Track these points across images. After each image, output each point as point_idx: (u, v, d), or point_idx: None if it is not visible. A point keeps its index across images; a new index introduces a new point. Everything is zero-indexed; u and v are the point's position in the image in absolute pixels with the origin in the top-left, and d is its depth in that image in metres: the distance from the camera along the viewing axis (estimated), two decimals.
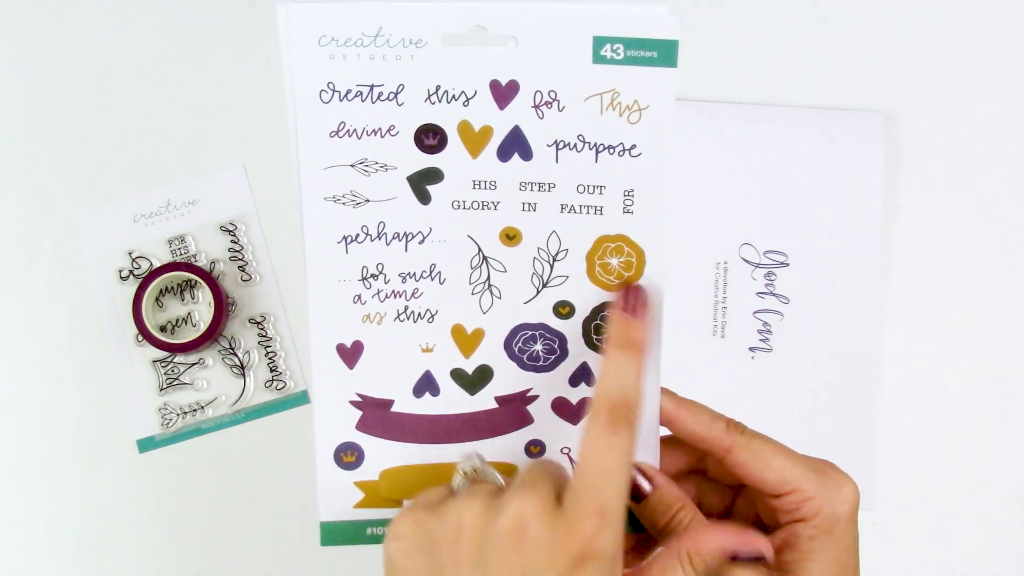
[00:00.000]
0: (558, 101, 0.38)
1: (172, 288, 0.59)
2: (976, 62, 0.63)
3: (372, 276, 0.40)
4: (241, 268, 0.60)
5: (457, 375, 0.41)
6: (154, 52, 0.61)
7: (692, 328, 0.61)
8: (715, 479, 0.43)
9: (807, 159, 0.61)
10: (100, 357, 0.60)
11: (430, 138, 0.38)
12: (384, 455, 0.41)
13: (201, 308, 0.60)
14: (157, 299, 0.59)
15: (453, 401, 0.41)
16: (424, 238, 0.40)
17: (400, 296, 0.40)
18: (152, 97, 0.61)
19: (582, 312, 0.41)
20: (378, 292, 0.40)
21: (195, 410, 0.60)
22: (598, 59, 0.37)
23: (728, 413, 0.62)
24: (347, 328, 0.40)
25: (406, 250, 0.40)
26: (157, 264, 0.59)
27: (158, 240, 0.60)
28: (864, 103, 0.62)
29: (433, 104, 0.38)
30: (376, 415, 0.41)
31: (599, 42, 0.37)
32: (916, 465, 0.61)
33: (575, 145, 0.39)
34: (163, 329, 0.59)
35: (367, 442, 0.41)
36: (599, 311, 0.40)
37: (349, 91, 0.38)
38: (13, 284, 0.60)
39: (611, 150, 0.39)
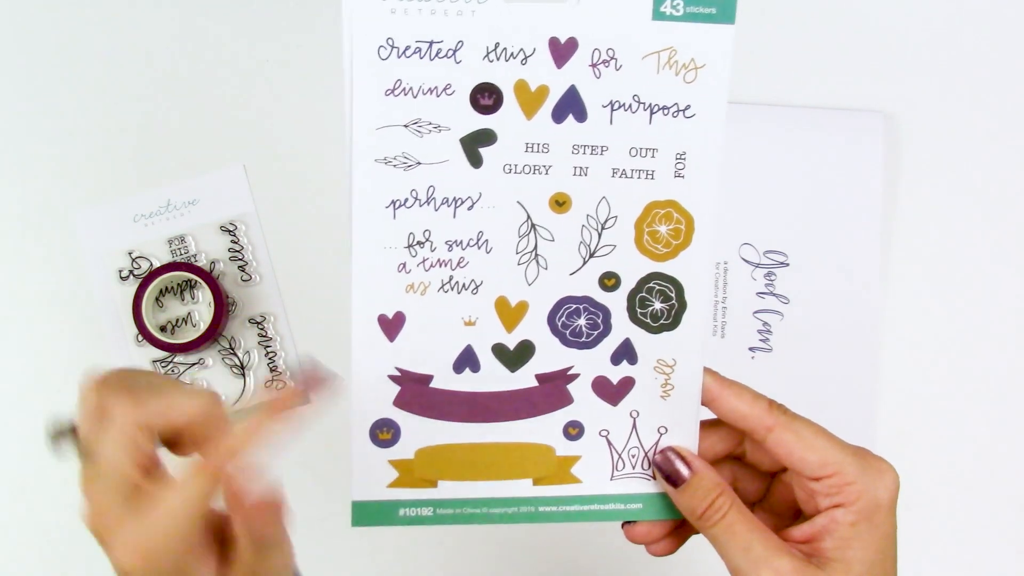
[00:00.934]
0: (616, 60, 0.37)
1: (172, 288, 0.59)
2: (976, 62, 0.63)
3: (418, 243, 0.39)
4: (241, 268, 0.60)
5: (499, 351, 0.40)
6: (154, 52, 0.61)
7: None
8: (752, 465, 0.42)
9: (807, 159, 0.61)
10: (100, 357, 0.59)
11: (486, 98, 0.37)
12: (421, 433, 0.40)
13: (201, 308, 0.60)
14: (157, 299, 0.59)
15: (493, 378, 0.40)
16: (473, 204, 0.38)
17: (445, 265, 0.39)
18: (152, 97, 0.61)
19: (628, 284, 0.40)
20: (423, 261, 0.39)
21: None
22: (658, 15, 0.37)
23: None
24: (390, 298, 0.39)
25: (454, 216, 0.38)
26: (157, 264, 0.59)
27: (158, 240, 0.60)
28: (864, 103, 0.62)
29: (491, 62, 0.37)
30: (414, 391, 0.40)
31: None
32: (916, 465, 0.61)
33: (630, 106, 0.38)
34: (163, 329, 0.59)
35: (404, 419, 0.40)
36: (645, 283, 0.40)
37: (408, 47, 0.37)
38: (13, 284, 0.60)
39: (665, 111, 0.38)
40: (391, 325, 0.39)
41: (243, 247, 0.60)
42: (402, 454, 0.40)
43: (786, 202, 0.61)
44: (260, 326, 0.60)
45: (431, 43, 0.36)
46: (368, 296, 0.39)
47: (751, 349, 0.61)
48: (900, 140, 0.62)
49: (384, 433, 0.40)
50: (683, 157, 0.38)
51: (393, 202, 0.38)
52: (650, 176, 0.39)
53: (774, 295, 0.61)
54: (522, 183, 0.38)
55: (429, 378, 0.40)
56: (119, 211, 0.60)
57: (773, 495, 0.42)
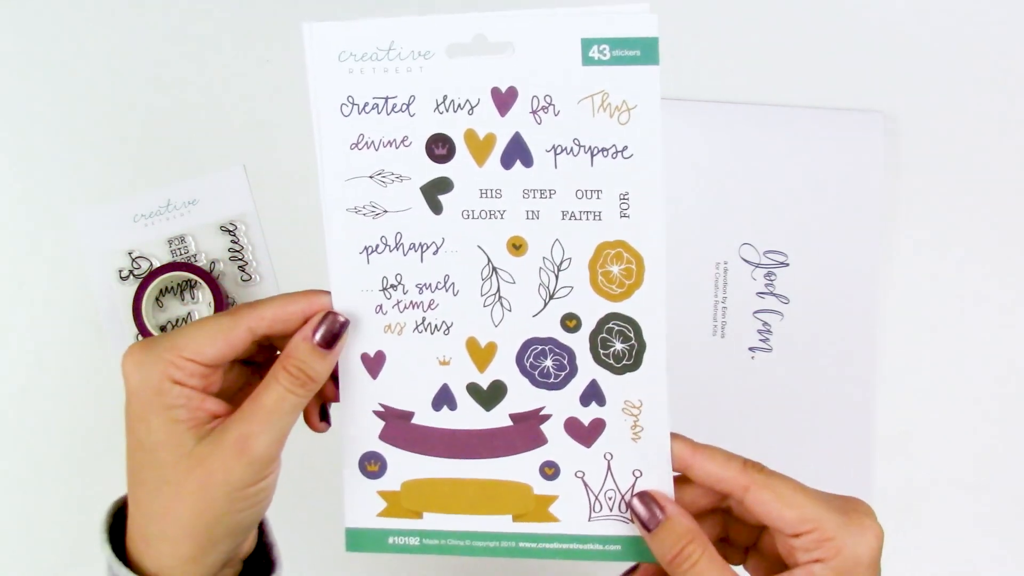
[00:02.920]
0: (553, 105, 0.39)
1: (172, 288, 0.59)
2: (976, 62, 0.63)
3: (392, 286, 0.41)
4: (241, 268, 0.60)
5: (473, 390, 0.42)
6: (154, 52, 0.61)
7: (692, 328, 0.61)
8: (739, 519, 0.42)
9: (807, 159, 0.61)
10: (100, 357, 0.60)
11: (440, 147, 0.40)
12: (406, 466, 0.42)
13: (201, 308, 0.60)
14: (157, 299, 0.59)
15: (470, 416, 0.42)
16: (438, 248, 0.41)
17: (418, 307, 0.41)
18: (152, 97, 0.61)
19: (588, 325, 0.41)
20: (398, 302, 0.41)
21: None
22: (587, 61, 0.38)
23: (728, 413, 0.62)
24: (370, 338, 0.41)
25: (421, 260, 0.41)
26: (157, 264, 0.59)
27: (158, 240, 0.60)
28: (864, 103, 0.62)
29: (441, 113, 0.39)
30: (398, 426, 0.42)
31: (587, 44, 0.38)
32: (915, 465, 0.61)
33: (571, 149, 0.39)
34: (163, 329, 0.59)
35: (390, 452, 0.42)
36: (604, 323, 0.41)
37: (366, 104, 0.39)
38: (13, 284, 0.60)
39: (605, 152, 0.39)
40: (373, 363, 0.42)
41: (243, 247, 0.60)
42: (389, 486, 0.42)
43: (786, 202, 0.61)
44: None
45: (387, 99, 0.39)
46: (351, 336, 0.41)
47: (751, 349, 0.61)
48: (900, 140, 0.62)
49: (372, 465, 0.42)
50: (626, 197, 0.40)
51: (366, 248, 0.41)
52: (597, 217, 0.40)
53: (774, 295, 0.61)
54: (480, 228, 0.40)
55: (411, 414, 0.42)
56: (119, 211, 0.60)
57: (763, 544, 0.42)
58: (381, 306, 0.41)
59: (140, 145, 0.61)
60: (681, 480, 0.41)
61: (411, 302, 0.41)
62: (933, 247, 0.62)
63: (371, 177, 0.40)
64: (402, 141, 0.40)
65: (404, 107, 0.39)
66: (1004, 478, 0.61)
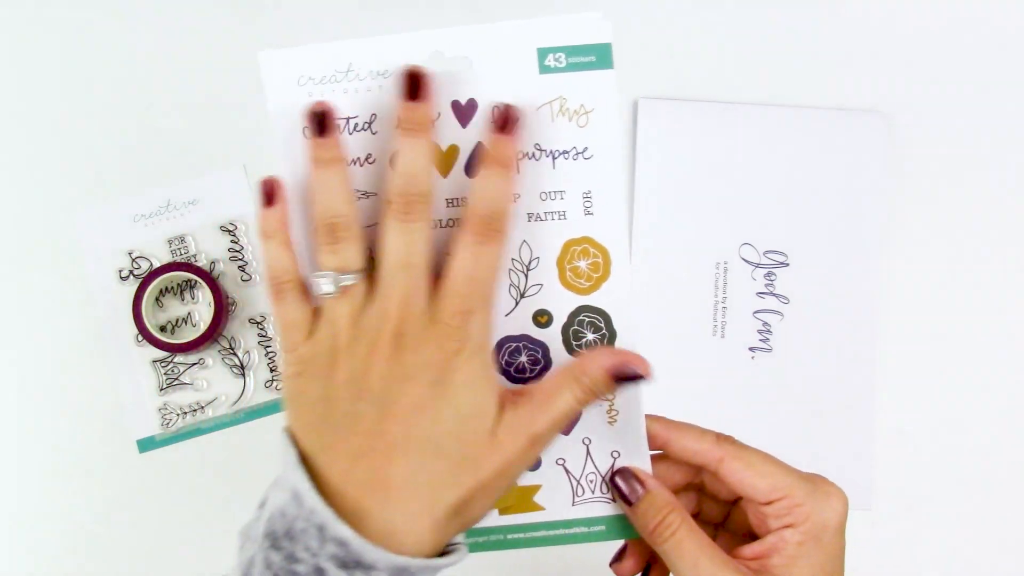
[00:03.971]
0: None
1: (172, 288, 0.59)
2: (976, 63, 0.63)
3: None
4: (241, 268, 0.60)
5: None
6: (154, 52, 0.61)
7: (692, 328, 0.61)
8: (711, 495, 0.44)
9: (807, 159, 0.61)
10: (100, 357, 0.60)
11: None
12: None
13: (201, 308, 0.60)
14: (157, 299, 0.59)
15: None
16: None
17: None
18: (152, 97, 0.61)
19: (559, 319, 0.42)
20: None
21: (195, 410, 0.60)
22: (544, 69, 0.40)
23: (728, 413, 0.62)
24: None
25: None
26: (157, 264, 0.59)
27: (158, 240, 0.60)
28: (864, 103, 0.62)
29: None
30: None
31: (543, 53, 0.40)
32: (915, 465, 0.61)
33: (534, 154, 0.40)
34: (163, 329, 0.59)
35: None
36: (575, 316, 0.42)
37: None
38: (13, 284, 0.60)
39: (566, 155, 0.41)
40: None
41: (243, 247, 0.60)
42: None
43: (786, 202, 0.61)
44: (260, 326, 0.60)
45: (348, 119, 0.40)
46: None
47: (751, 349, 0.61)
48: (900, 140, 0.62)
49: None
50: (589, 195, 0.41)
51: None
52: (562, 216, 0.41)
53: (774, 295, 0.61)
54: (449, 236, 0.41)
55: None
56: (119, 211, 0.60)
57: (733, 519, 0.44)
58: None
59: (140, 145, 0.61)
60: (655, 459, 0.43)
61: None
62: (933, 247, 0.62)
63: None
64: (366, 159, 0.40)
65: (367, 126, 0.40)
66: (1004, 478, 0.61)
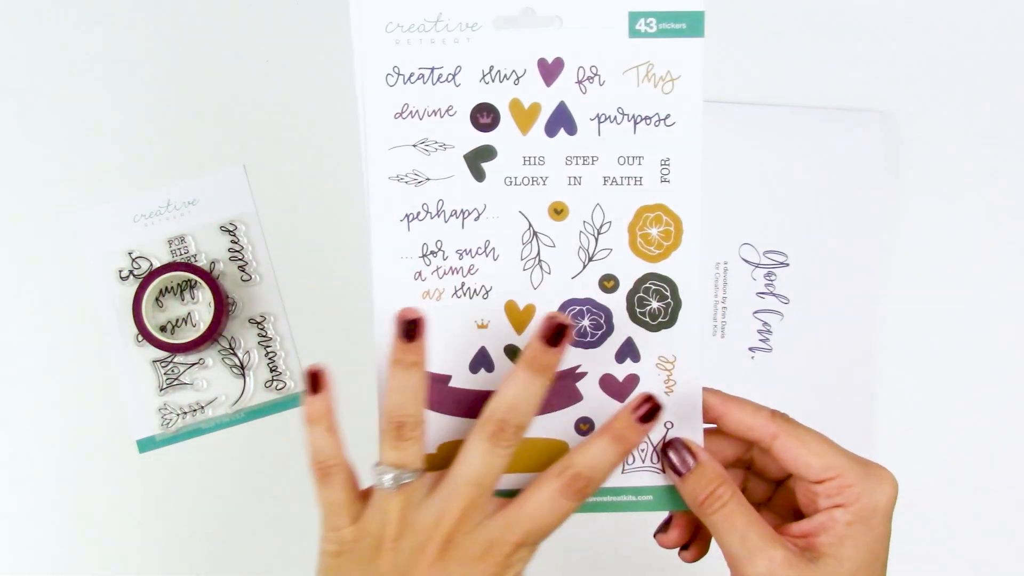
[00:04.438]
0: (599, 76, 0.41)
1: (172, 288, 0.59)
2: (976, 62, 0.63)
3: (432, 253, 0.42)
4: (241, 268, 0.60)
5: (511, 351, 0.42)
6: (154, 52, 0.61)
7: None
8: (759, 473, 0.44)
9: (807, 159, 0.61)
10: (100, 357, 0.60)
11: (484, 116, 0.41)
12: (443, 429, 0.42)
13: (201, 308, 0.60)
14: (157, 299, 0.59)
15: None
16: (479, 215, 0.41)
17: (457, 272, 0.42)
18: (152, 97, 0.61)
19: (626, 285, 0.42)
20: (437, 269, 0.42)
21: (195, 410, 0.60)
22: (634, 33, 0.40)
23: None
24: (409, 304, 0.42)
25: (463, 227, 0.41)
26: (157, 264, 0.59)
27: (158, 240, 0.60)
28: (864, 103, 0.62)
29: (487, 84, 0.40)
30: (435, 389, 0.42)
31: (634, 17, 0.40)
32: (915, 465, 0.61)
33: (615, 118, 0.41)
34: (163, 329, 0.59)
35: (427, 416, 0.42)
36: (642, 283, 0.42)
37: (412, 74, 0.40)
38: (13, 284, 0.60)
39: (648, 121, 0.41)
40: None
41: (243, 247, 0.60)
42: (426, 449, 0.42)
43: (786, 202, 0.61)
44: (260, 326, 0.60)
45: (432, 69, 0.40)
46: (389, 302, 0.42)
47: (751, 349, 0.61)
48: (900, 140, 0.62)
49: None
50: (667, 163, 0.42)
51: (407, 215, 0.41)
52: (638, 182, 0.42)
53: (774, 295, 0.61)
54: (522, 194, 0.41)
55: (448, 378, 0.42)
56: (119, 211, 0.60)
57: (778, 499, 0.44)
58: (420, 272, 0.42)
59: (140, 145, 0.61)
60: (706, 433, 0.43)
61: (451, 268, 0.42)
62: (933, 247, 0.62)
63: (414, 146, 0.41)
64: (447, 110, 0.40)
65: (450, 77, 0.40)
66: (1004, 478, 0.61)
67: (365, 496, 0.39)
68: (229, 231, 0.60)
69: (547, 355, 0.38)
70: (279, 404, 0.60)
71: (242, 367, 0.60)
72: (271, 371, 0.60)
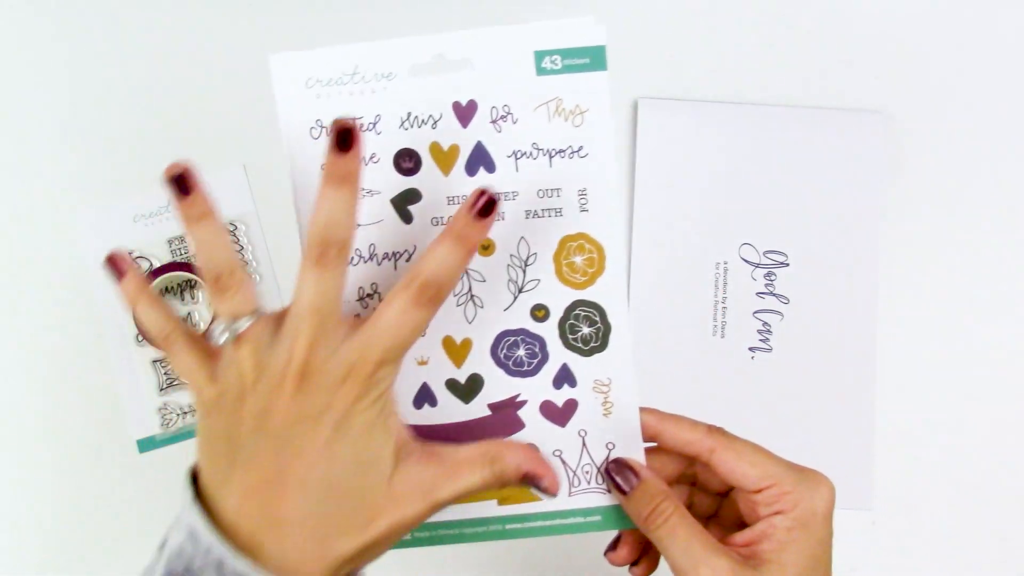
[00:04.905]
0: (512, 114, 0.42)
1: (172, 288, 0.59)
2: (976, 62, 0.63)
3: (368, 295, 0.42)
4: None
5: (451, 385, 0.43)
6: (155, 52, 0.61)
7: (692, 328, 0.61)
8: (703, 487, 0.45)
9: (807, 159, 0.61)
10: (100, 357, 0.60)
11: (407, 161, 0.42)
12: None
13: (201, 308, 0.60)
14: None
15: (450, 410, 0.43)
16: (410, 255, 0.43)
17: None
18: (152, 97, 0.61)
19: (556, 313, 0.43)
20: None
21: (195, 410, 0.60)
22: (541, 71, 0.42)
23: (728, 413, 0.62)
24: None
25: (395, 268, 0.42)
26: (157, 264, 0.59)
27: (158, 240, 0.60)
28: (864, 103, 0.62)
29: (407, 130, 0.42)
30: None
31: (540, 56, 0.42)
32: (915, 465, 0.61)
33: (531, 153, 0.42)
34: None
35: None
36: (571, 310, 0.43)
37: None
38: (13, 284, 0.60)
39: (562, 154, 0.42)
40: None
41: (243, 247, 0.60)
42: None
43: (786, 202, 0.61)
44: None
45: (353, 120, 0.41)
46: None
47: (751, 349, 0.61)
48: (900, 140, 0.62)
49: None
50: (584, 193, 0.43)
51: None
52: (559, 213, 0.43)
53: (774, 295, 0.61)
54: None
55: None
56: (119, 211, 0.60)
57: (723, 511, 0.45)
58: (360, 315, 0.42)
59: (140, 145, 0.61)
60: (649, 452, 0.44)
61: None
62: (933, 247, 0.62)
63: None
64: (371, 158, 0.42)
65: (371, 126, 0.42)
66: (1004, 478, 0.61)
67: (218, 354, 0.38)
68: (229, 231, 0.60)
69: (474, 227, 0.37)
70: None
71: None
72: None
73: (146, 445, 0.59)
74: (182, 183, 0.37)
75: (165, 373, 0.59)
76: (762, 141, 0.61)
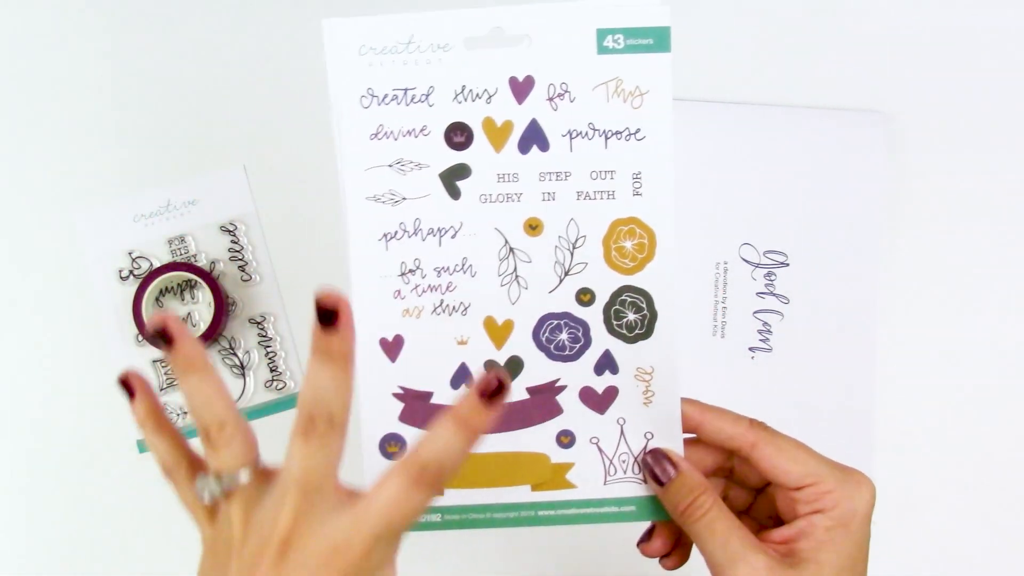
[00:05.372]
0: (569, 92, 0.41)
1: (172, 288, 0.59)
2: (976, 62, 0.63)
3: (410, 271, 0.42)
4: (241, 268, 0.60)
5: (491, 367, 0.43)
6: (154, 52, 0.61)
7: (692, 328, 0.61)
8: (739, 481, 0.45)
9: (807, 159, 0.61)
10: (100, 357, 0.60)
11: (458, 135, 0.41)
12: None
13: (201, 308, 0.60)
14: (157, 299, 0.59)
15: None
16: (456, 232, 0.42)
17: (436, 290, 0.42)
18: (152, 97, 0.61)
19: (602, 298, 0.43)
20: (416, 287, 0.42)
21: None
22: (602, 50, 0.41)
23: None
24: (389, 323, 0.42)
25: (440, 245, 0.42)
26: (157, 264, 0.59)
27: (158, 240, 0.60)
28: (864, 103, 0.62)
29: (460, 103, 0.41)
30: (417, 407, 0.43)
31: (602, 34, 0.41)
32: (915, 465, 0.61)
33: (587, 133, 0.42)
34: None
35: (409, 433, 0.43)
36: (618, 296, 0.43)
37: (386, 95, 0.41)
38: (13, 284, 0.60)
39: (618, 135, 0.42)
40: (391, 347, 0.43)
41: (243, 247, 0.60)
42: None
43: (786, 202, 0.61)
44: (260, 326, 0.60)
45: (406, 90, 0.41)
46: (369, 321, 0.42)
47: (751, 349, 0.61)
48: (900, 140, 0.62)
49: (392, 446, 0.43)
50: (639, 176, 0.42)
51: (385, 235, 0.42)
52: (611, 196, 0.42)
53: (774, 295, 0.61)
54: (497, 211, 0.42)
55: (429, 395, 0.43)
56: (119, 211, 0.60)
57: (758, 506, 0.45)
58: (400, 291, 0.42)
59: (140, 145, 0.61)
60: (687, 443, 0.43)
61: (429, 285, 0.42)
62: (933, 247, 0.62)
63: (390, 166, 0.41)
64: (421, 130, 0.41)
65: (424, 97, 0.41)
66: (1003, 478, 0.61)
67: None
68: (229, 231, 0.60)
69: (479, 413, 0.34)
70: (279, 404, 0.60)
71: (242, 367, 0.60)
72: (271, 371, 0.60)
73: (146, 445, 0.60)
74: (165, 335, 0.35)
75: (165, 373, 0.59)
76: (762, 141, 0.61)
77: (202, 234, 0.60)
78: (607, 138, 0.42)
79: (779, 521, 0.42)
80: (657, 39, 0.41)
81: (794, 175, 0.61)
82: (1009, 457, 0.61)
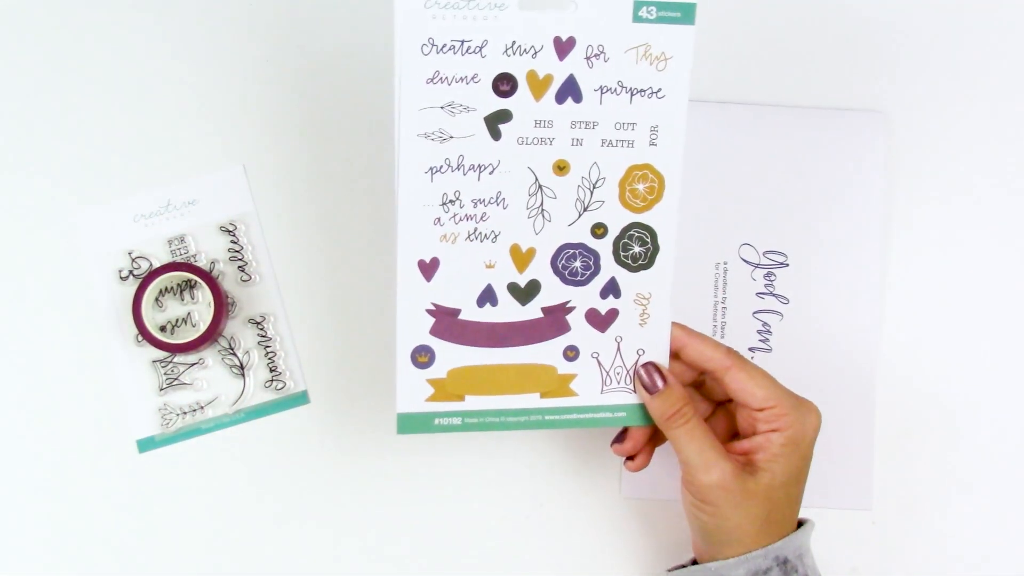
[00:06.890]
0: (604, 53, 0.47)
1: (172, 288, 0.59)
2: (975, 62, 0.63)
3: (450, 201, 0.47)
4: (241, 268, 0.60)
5: (512, 288, 0.49)
6: (154, 52, 0.61)
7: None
8: (706, 395, 0.53)
9: (807, 159, 0.61)
10: (100, 357, 0.60)
11: (504, 84, 0.46)
12: (451, 356, 0.49)
13: (201, 308, 0.60)
14: (157, 299, 0.59)
15: (509, 311, 0.49)
16: (493, 169, 0.47)
17: (471, 219, 0.48)
18: (152, 97, 0.61)
19: (613, 232, 0.49)
20: (454, 215, 0.48)
21: (195, 410, 0.60)
22: (637, 19, 0.46)
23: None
24: (427, 246, 0.48)
25: (479, 179, 0.47)
26: (157, 264, 0.59)
27: (158, 240, 0.60)
28: (864, 103, 0.62)
29: (509, 56, 0.46)
30: (446, 322, 0.49)
31: (638, 5, 0.46)
32: (915, 465, 0.61)
33: (615, 90, 0.47)
34: (163, 329, 0.59)
35: (438, 345, 0.49)
36: (627, 231, 0.49)
37: (444, 45, 0.45)
38: (13, 284, 0.60)
39: (642, 93, 0.48)
40: (428, 268, 0.48)
41: (243, 247, 0.60)
42: (437, 374, 0.49)
43: (786, 202, 0.61)
44: (260, 326, 0.60)
45: (463, 42, 0.45)
46: (410, 244, 0.48)
47: (751, 349, 0.61)
48: (900, 140, 0.62)
49: (422, 357, 0.49)
50: (656, 129, 0.48)
51: (431, 168, 0.47)
52: (631, 145, 0.48)
53: (774, 295, 0.61)
54: (532, 152, 0.48)
55: (458, 311, 0.49)
56: (119, 211, 0.60)
57: (716, 417, 0.53)
58: (439, 218, 0.47)
59: (140, 145, 0.61)
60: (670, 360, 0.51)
61: (466, 215, 0.48)
62: (933, 246, 0.62)
63: (442, 108, 0.46)
64: (472, 78, 0.46)
65: (477, 49, 0.46)
66: (1004, 478, 0.61)
67: None
68: (229, 231, 0.60)
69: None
70: (279, 404, 0.60)
71: (242, 367, 0.60)
72: (271, 371, 0.60)
73: (146, 445, 0.59)
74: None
75: (165, 373, 0.59)
76: (762, 141, 0.61)
77: (202, 234, 0.60)
78: (632, 95, 0.47)
79: (735, 434, 0.51)
80: (684, 12, 0.47)
81: (794, 175, 0.61)
82: (1010, 456, 0.61)
